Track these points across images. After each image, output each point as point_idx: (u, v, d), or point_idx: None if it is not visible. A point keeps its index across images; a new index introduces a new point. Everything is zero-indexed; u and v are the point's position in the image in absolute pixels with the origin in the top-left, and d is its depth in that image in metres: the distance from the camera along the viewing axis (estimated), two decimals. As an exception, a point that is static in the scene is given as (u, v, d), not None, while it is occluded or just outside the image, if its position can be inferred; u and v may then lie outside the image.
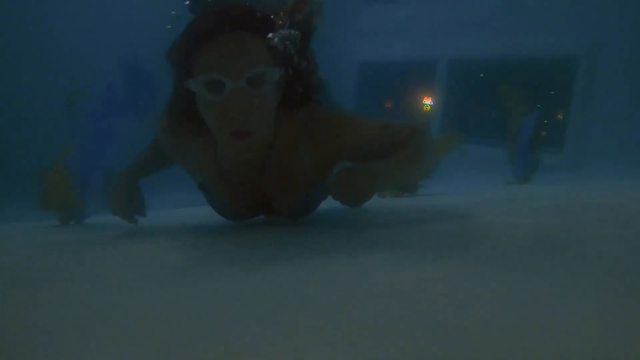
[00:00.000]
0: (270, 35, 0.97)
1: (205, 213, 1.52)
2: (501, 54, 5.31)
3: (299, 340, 0.44)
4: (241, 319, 0.51)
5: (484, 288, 0.58)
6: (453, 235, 0.94)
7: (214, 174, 1.13)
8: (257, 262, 0.81)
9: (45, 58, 4.76)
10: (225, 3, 0.97)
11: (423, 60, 6.14)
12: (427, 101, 6.69)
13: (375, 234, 0.97)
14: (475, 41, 5.45)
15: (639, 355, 0.38)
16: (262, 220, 1.27)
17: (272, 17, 1.00)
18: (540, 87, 5.18)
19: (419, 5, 6.02)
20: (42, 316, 0.56)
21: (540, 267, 0.68)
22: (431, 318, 0.48)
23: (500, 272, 0.65)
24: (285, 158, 1.09)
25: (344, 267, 0.72)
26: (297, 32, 1.00)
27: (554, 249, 0.80)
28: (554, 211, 1.27)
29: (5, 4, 4.80)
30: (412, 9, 6.10)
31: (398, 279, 0.64)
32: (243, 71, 0.93)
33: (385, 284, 0.61)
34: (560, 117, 5.24)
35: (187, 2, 1.07)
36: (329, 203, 1.23)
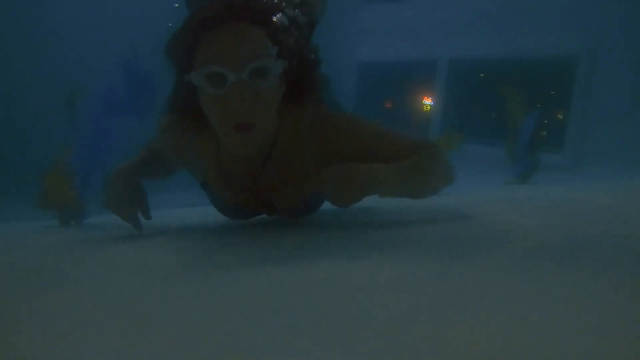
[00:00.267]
0: (273, 25, 0.95)
1: (205, 213, 1.52)
2: (501, 53, 5.31)
3: (299, 341, 0.44)
4: (241, 319, 0.51)
5: (485, 288, 0.58)
6: (454, 235, 0.93)
7: (215, 172, 1.11)
8: (257, 262, 0.81)
9: (46, 58, 4.76)
10: None
11: (423, 60, 6.14)
12: (427, 101, 6.69)
13: (377, 234, 0.97)
14: (475, 41, 5.44)
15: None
16: (263, 220, 1.27)
17: (274, 7, 0.97)
18: (541, 87, 5.18)
19: (419, 5, 6.02)
20: (42, 316, 0.56)
21: (540, 266, 0.68)
22: (432, 319, 0.48)
23: (503, 272, 0.65)
24: (288, 156, 1.07)
25: (345, 267, 0.72)
26: (300, 23, 0.98)
27: (554, 248, 0.80)
28: (554, 211, 1.26)
29: (5, 4, 4.80)
30: (412, 9, 6.10)
31: (400, 279, 0.64)
32: (245, 63, 0.90)
33: (387, 285, 0.61)
34: (560, 117, 5.24)
35: None
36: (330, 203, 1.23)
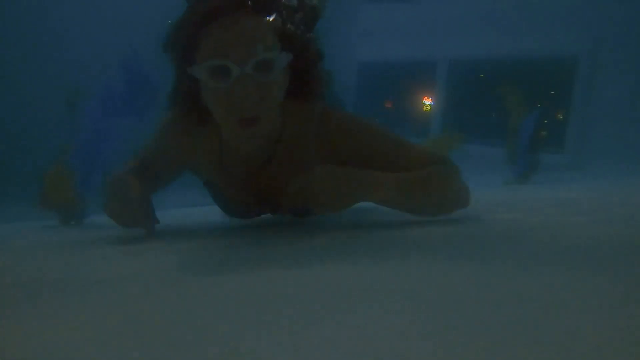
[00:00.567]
0: (278, 17, 0.91)
1: (206, 213, 1.52)
2: (501, 54, 5.31)
3: (299, 341, 0.44)
4: (241, 320, 0.51)
5: (487, 288, 0.58)
6: (455, 235, 0.93)
7: (218, 169, 1.10)
8: (258, 263, 0.80)
9: (46, 57, 4.76)
10: None
11: (423, 60, 6.14)
12: (427, 101, 6.69)
13: (378, 235, 0.97)
14: (475, 41, 5.45)
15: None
16: (266, 220, 1.27)
17: None
18: (541, 87, 5.18)
19: (420, 4, 6.02)
20: (42, 316, 0.56)
21: (542, 266, 0.68)
22: (434, 319, 0.48)
23: (509, 271, 0.65)
24: (293, 154, 1.05)
25: (348, 269, 0.72)
26: (305, 14, 0.95)
27: (556, 248, 0.80)
28: (554, 210, 1.26)
29: (5, 4, 4.80)
30: (412, 9, 6.10)
31: (402, 279, 0.63)
32: (250, 56, 0.87)
33: (389, 285, 0.61)
34: (560, 116, 5.24)
35: None
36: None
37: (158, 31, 0.97)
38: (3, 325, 0.54)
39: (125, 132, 1.60)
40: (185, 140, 1.10)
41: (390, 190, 1.00)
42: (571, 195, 1.74)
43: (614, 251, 0.77)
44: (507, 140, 2.93)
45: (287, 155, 1.05)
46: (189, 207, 1.85)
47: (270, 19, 0.91)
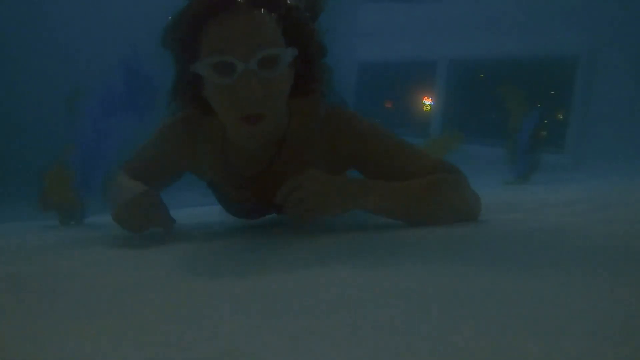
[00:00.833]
0: (282, 11, 0.89)
1: (207, 213, 1.52)
2: (501, 53, 5.31)
3: (299, 342, 0.44)
4: (241, 320, 0.51)
5: (488, 289, 0.58)
6: (455, 236, 0.93)
7: (221, 170, 1.09)
8: (258, 264, 0.80)
9: (46, 57, 4.75)
10: None
11: (423, 60, 6.14)
12: (427, 101, 6.68)
13: (379, 237, 0.96)
14: (475, 41, 5.44)
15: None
16: (269, 220, 1.26)
17: None
18: (541, 87, 5.18)
19: (420, 4, 6.02)
20: (41, 316, 0.56)
21: (543, 268, 0.68)
22: (435, 320, 0.48)
23: (511, 272, 0.65)
24: (297, 154, 1.03)
25: (348, 270, 0.72)
26: (307, 7, 0.93)
27: (556, 249, 0.80)
28: (555, 210, 1.26)
29: (5, 4, 4.80)
30: (412, 9, 6.10)
31: (402, 281, 0.63)
32: (254, 52, 0.85)
33: (390, 287, 0.61)
34: (560, 116, 5.24)
35: None
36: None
37: (158, 31, 0.96)
38: (3, 324, 0.54)
39: (125, 132, 1.60)
40: (186, 145, 1.09)
41: (384, 198, 0.97)
42: (571, 195, 1.74)
43: (614, 251, 0.77)
44: (507, 140, 2.93)
45: (292, 156, 1.04)
46: (190, 207, 1.84)
47: (275, 13, 0.88)
